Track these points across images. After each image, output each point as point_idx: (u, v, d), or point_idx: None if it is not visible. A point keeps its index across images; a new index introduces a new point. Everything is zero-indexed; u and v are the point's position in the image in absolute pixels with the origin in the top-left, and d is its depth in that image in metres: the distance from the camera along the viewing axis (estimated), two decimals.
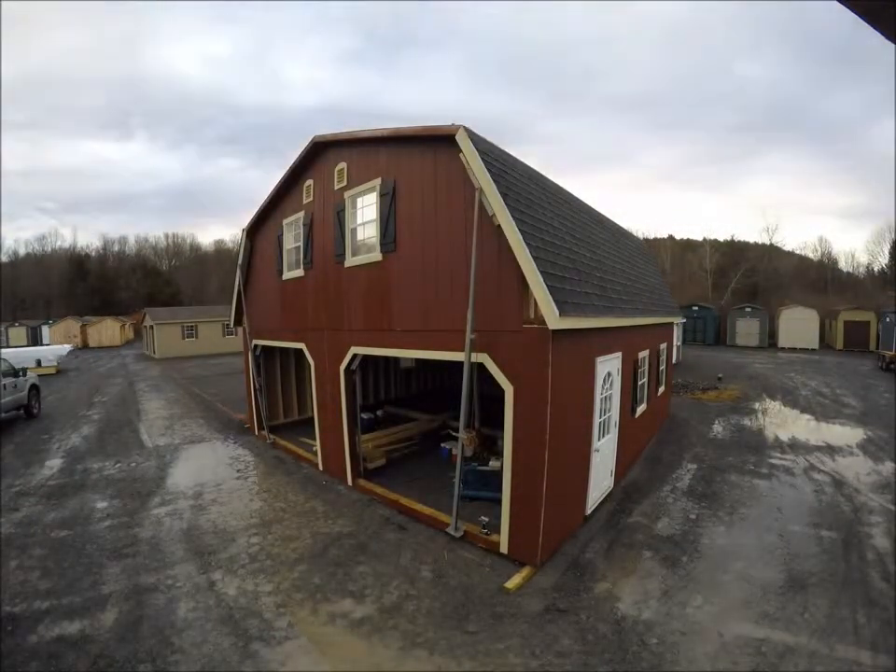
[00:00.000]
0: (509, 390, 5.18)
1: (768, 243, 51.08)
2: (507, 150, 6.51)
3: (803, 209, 74.20)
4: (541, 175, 7.52)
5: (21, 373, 12.58)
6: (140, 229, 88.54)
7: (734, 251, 52.02)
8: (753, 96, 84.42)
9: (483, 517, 5.68)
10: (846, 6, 1.33)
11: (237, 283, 11.01)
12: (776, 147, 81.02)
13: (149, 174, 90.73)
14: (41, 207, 78.17)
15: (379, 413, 11.50)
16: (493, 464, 7.20)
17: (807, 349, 29.45)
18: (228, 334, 32.26)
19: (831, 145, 75.34)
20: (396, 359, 13.43)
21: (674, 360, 16.35)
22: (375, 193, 6.78)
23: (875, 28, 1.40)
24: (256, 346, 10.72)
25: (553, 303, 4.60)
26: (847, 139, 71.62)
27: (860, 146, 69.56)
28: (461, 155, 5.22)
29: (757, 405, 13.66)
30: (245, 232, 10.59)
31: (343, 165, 7.44)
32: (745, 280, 47.16)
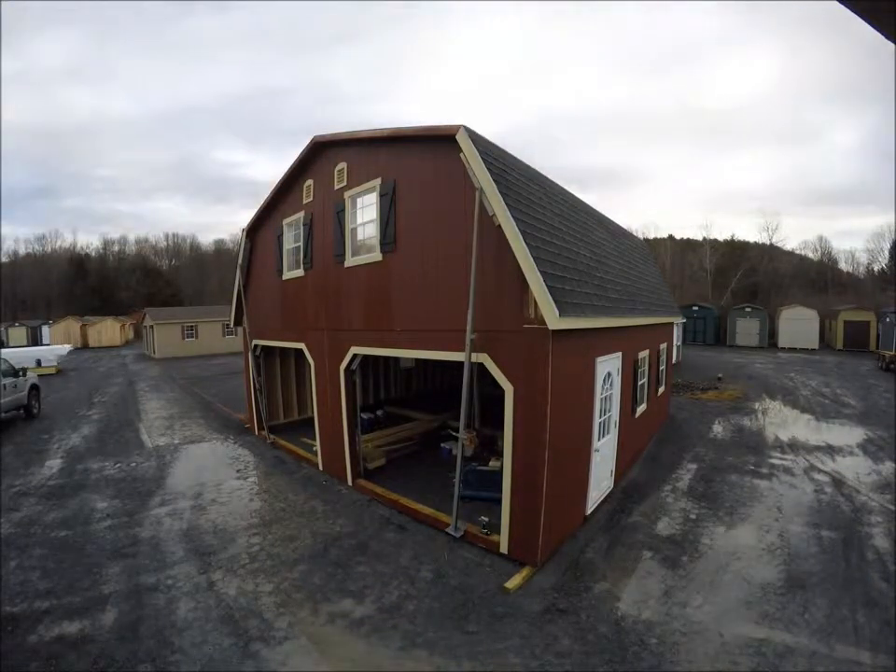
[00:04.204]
0: (509, 390, 5.18)
1: (768, 243, 51.13)
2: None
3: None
4: (542, 175, 7.52)
5: (21, 373, 12.59)
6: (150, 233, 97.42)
7: (734, 251, 52.01)
8: None
9: (483, 517, 5.68)
10: (846, 6, 1.33)
11: (237, 283, 11.01)
12: None
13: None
14: (118, 225, 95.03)
15: (379, 412, 11.49)
16: (493, 464, 7.20)
17: (807, 349, 29.43)
18: (228, 334, 32.22)
19: None
20: (396, 359, 13.42)
21: (674, 360, 16.35)
22: (375, 193, 6.78)
23: (875, 28, 1.40)
24: (256, 346, 10.71)
25: (553, 303, 4.60)
26: None
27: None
28: (461, 155, 5.22)
29: (757, 405, 13.65)
30: (244, 232, 10.59)
31: (342, 165, 7.44)
32: (745, 280, 47.14)
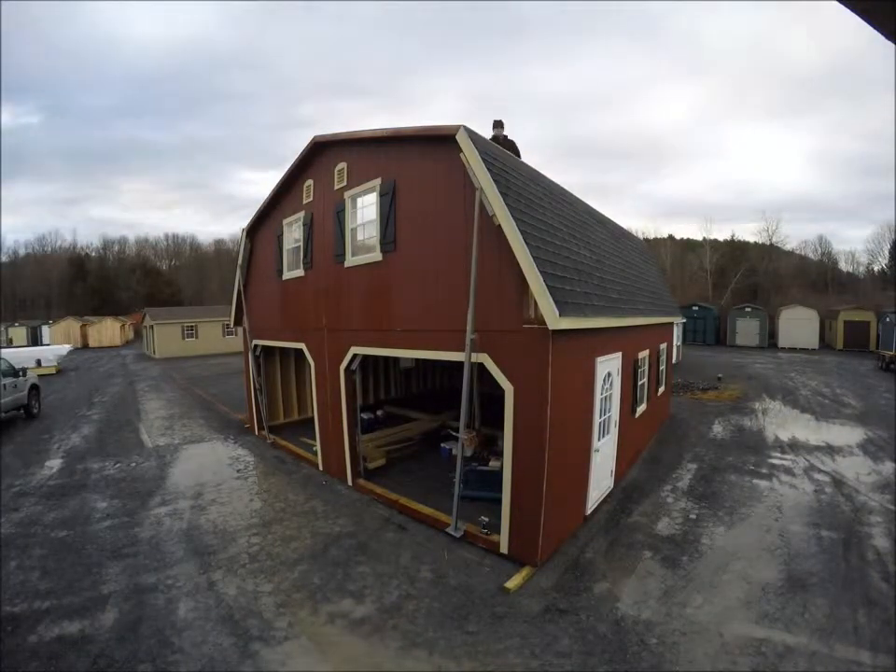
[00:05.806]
0: (509, 390, 5.18)
1: (768, 243, 51.10)
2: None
3: None
4: (542, 175, 7.52)
5: (21, 373, 12.59)
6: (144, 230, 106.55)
7: (734, 251, 52.02)
8: None
9: (483, 517, 5.68)
10: (846, 6, 1.33)
11: (237, 283, 11.01)
12: None
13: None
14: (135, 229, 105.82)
15: (379, 412, 11.50)
16: (493, 464, 7.20)
17: (807, 349, 29.44)
18: (228, 334, 32.25)
19: None
20: (396, 359, 13.43)
21: (674, 360, 16.36)
22: (375, 193, 6.78)
23: (875, 28, 1.40)
24: (256, 346, 10.71)
25: (553, 303, 4.60)
26: None
27: None
28: (461, 155, 5.22)
29: (757, 405, 13.65)
30: (244, 232, 10.59)
31: (342, 165, 7.44)
32: (745, 280, 47.14)
